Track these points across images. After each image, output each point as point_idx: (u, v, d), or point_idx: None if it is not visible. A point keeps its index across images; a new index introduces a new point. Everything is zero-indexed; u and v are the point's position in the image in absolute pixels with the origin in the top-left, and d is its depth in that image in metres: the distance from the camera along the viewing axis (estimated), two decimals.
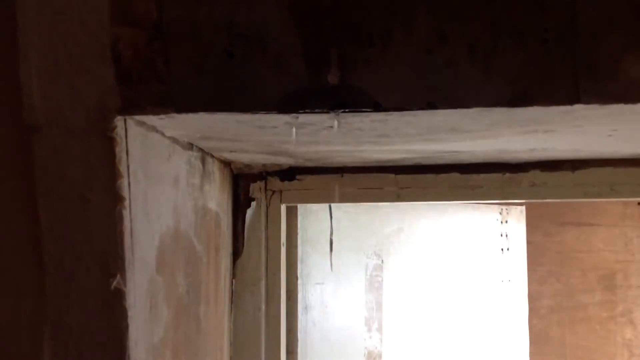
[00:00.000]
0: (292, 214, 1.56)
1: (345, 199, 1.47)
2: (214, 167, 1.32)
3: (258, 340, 1.44)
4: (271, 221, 1.48)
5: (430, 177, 1.43)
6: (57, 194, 0.88)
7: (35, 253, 0.89)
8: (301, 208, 1.59)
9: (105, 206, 0.87)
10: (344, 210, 1.68)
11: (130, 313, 0.89)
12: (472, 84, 0.84)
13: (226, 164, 1.41)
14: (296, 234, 1.56)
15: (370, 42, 0.85)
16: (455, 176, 1.42)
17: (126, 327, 0.88)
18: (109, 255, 0.87)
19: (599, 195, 1.39)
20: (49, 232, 0.89)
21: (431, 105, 0.85)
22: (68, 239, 0.88)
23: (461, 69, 0.84)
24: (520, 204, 2.25)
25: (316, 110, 0.86)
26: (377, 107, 0.85)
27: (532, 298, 2.49)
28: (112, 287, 0.87)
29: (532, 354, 2.29)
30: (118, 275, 0.87)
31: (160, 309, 1.02)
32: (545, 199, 1.41)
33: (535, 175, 1.40)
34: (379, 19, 0.85)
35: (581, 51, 0.82)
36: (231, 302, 1.45)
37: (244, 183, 1.47)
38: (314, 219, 1.63)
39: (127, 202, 0.88)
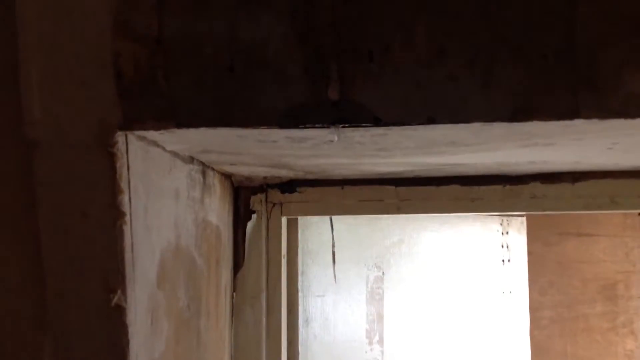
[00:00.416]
0: (292, 226, 1.56)
1: (345, 211, 1.47)
2: (214, 180, 1.32)
3: (259, 353, 1.44)
4: (272, 233, 1.48)
5: (430, 189, 1.43)
6: (57, 209, 0.88)
7: (36, 269, 0.89)
8: (301, 220, 1.59)
9: (106, 222, 0.87)
10: (344, 222, 1.68)
11: (130, 329, 0.88)
12: (472, 98, 0.84)
13: (227, 176, 1.41)
14: (297, 246, 1.56)
15: (371, 57, 0.85)
16: (455, 188, 1.43)
17: (127, 343, 0.88)
18: (110, 271, 0.87)
19: (600, 207, 1.39)
20: (49, 247, 0.89)
21: (431, 120, 0.85)
22: (69, 255, 0.88)
23: (461, 84, 0.84)
24: (521, 215, 2.25)
25: (317, 125, 0.87)
26: (377, 122, 0.86)
27: (533, 309, 2.49)
28: (113, 303, 0.87)
29: None
30: (119, 291, 0.87)
31: (161, 324, 1.01)
32: (546, 210, 1.41)
33: (536, 187, 1.40)
34: (379, 34, 0.85)
35: (581, 66, 0.83)
36: (232, 315, 1.44)
37: (244, 195, 1.47)
38: (315, 231, 1.63)
39: (127, 218, 0.88)
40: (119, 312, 0.87)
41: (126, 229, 0.88)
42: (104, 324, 0.87)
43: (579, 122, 0.83)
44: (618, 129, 0.89)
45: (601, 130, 0.90)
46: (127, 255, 0.88)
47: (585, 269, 2.97)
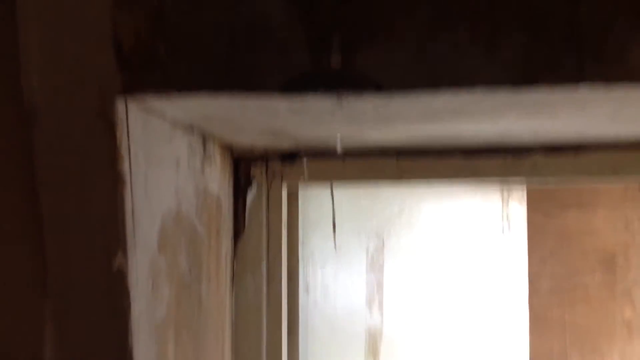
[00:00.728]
0: (293, 196, 1.56)
1: (346, 181, 1.47)
2: (214, 150, 1.32)
3: (259, 320, 1.45)
4: (272, 204, 1.48)
5: (432, 160, 1.43)
6: (58, 177, 0.88)
7: (37, 235, 0.90)
8: (302, 191, 1.58)
9: (107, 188, 0.87)
10: (345, 193, 1.68)
11: (132, 293, 0.89)
12: (476, 64, 0.84)
13: (227, 147, 1.41)
14: (297, 216, 1.56)
15: (372, 24, 0.84)
16: (457, 159, 1.42)
17: (128, 306, 0.89)
18: (111, 236, 0.88)
19: (601, 179, 1.39)
20: (50, 214, 0.89)
21: (434, 85, 0.85)
22: (69, 222, 0.89)
23: (464, 49, 0.84)
24: (522, 187, 2.25)
25: (319, 93, 0.86)
26: (380, 89, 0.85)
27: (532, 279, 2.50)
28: (114, 267, 0.87)
29: (532, 333, 2.31)
30: (119, 255, 0.87)
31: (162, 289, 1.02)
32: (548, 182, 1.41)
33: (538, 158, 1.40)
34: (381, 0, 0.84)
35: (586, 31, 0.82)
36: (232, 283, 1.46)
37: (244, 166, 1.47)
38: (315, 202, 1.63)
39: (128, 184, 0.89)
40: (121, 276, 0.88)
41: (127, 195, 0.88)
42: (106, 288, 0.88)
43: (583, 88, 0.83)
44: (621, 98, 0.89)
45: (605, 99, 0.90)
46: (128, 220, 0.89)
47: (585, 240, 2.98)
